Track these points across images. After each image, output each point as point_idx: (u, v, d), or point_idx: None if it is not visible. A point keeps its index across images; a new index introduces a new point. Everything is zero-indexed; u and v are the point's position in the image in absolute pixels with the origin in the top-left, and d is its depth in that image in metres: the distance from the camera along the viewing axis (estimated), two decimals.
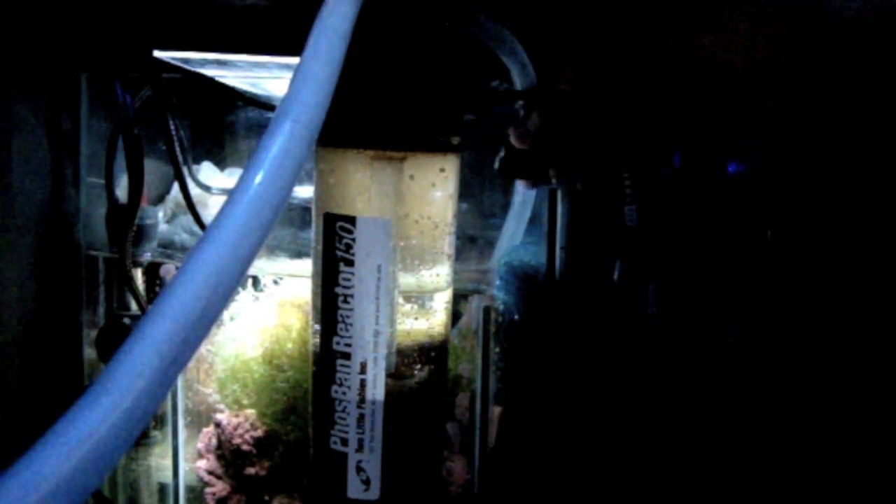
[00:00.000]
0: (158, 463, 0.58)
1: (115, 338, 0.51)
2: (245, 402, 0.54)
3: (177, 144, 0.49)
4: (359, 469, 0.36)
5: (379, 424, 0.36)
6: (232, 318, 0.55)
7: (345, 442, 0.36)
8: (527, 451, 0.48)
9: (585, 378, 0.46)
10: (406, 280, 0.37)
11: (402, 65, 0.35)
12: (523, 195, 0.50)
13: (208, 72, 0.49)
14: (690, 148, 0.44)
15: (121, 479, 0.59)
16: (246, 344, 0.54)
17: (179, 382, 0.56)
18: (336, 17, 0.28)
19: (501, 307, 0.49)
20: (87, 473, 0.19)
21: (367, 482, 0.36)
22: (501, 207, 0.53)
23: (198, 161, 0.59)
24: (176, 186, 0.56)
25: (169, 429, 0.56)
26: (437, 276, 0.38)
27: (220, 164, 0.61)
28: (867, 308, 0.42)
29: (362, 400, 0.36)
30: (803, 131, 0.43)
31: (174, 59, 0.45)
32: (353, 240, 0.34)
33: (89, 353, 0.55)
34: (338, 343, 0.35)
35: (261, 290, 0.55)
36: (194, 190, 0.54)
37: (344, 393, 0.36)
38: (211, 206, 0.57)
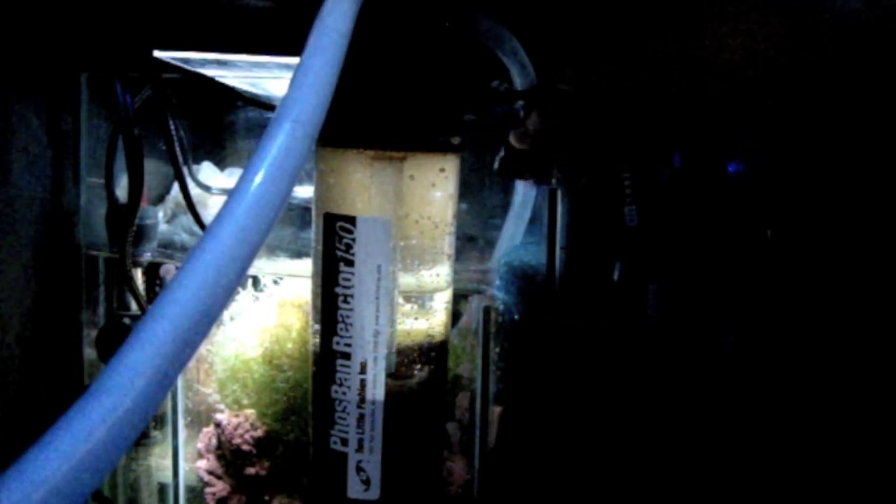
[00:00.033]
0: (158, 463, 0.58)
1: (115, 338, 0.51)
2: (245, 402, 0.54)
3: (177, 144, 0.49)
4: (359, 469, 0.36)
5: (379, 424, 0.36)
6: (232, 318, 0.55)
7: (345, 442, 0.36)
8: (527, 451, 0.48)
9: (585, 378, 0.46)
10: (406, 280, 0.37)
11: (402, 65, 0.35)
12: (523, 195, 0.50)
13: (208, 72, 0.49)
14: (690, 148, 0.44)
15: (121, 479, 0.59)
16: (246, 344, 0.54)
17: (179, 382, 0.56)
18: (336, 16, 0.28)
19: (501, 307, 0.49)
20: (87, 473, 0.19)
21: (367, 482, 0.36)
22: (501, 207, 0.53)
23: (198, 161, 0.59)
24: (176, 186, 0.56)
25: (169, 429, 0.56)
26: (437, 276, 0.38)
27: (220, 164, 0.61)
28: (867, 308, 0.42)
29: (362, 400, 0.36)
30: (803, 131, 0.43)
31: (174, 59, 0.45)
32: (353, 240, 0.34)
33: (89, 353, 0.55)
34: (338, 343, 0.35)
35: (261, 290, 0.55)
36: (194, 190, 0.54)
37: (344, 393, 0.36)
38: (211, 206, 0.57)
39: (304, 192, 0.53)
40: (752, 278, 0.44)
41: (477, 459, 0.52)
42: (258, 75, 0.49)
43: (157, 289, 0.55)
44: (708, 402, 0.45)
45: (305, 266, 0.49)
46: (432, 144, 0.36)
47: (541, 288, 0.47)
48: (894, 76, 0.40)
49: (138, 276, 0.54)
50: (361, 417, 0.36)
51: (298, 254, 0.55)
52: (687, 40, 0.41)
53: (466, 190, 0.43)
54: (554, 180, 0.46)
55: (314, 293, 0.37)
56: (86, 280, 0.55)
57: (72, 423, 0.19)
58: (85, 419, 0.19)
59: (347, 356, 0.35)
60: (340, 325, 0.35)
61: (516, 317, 0.48)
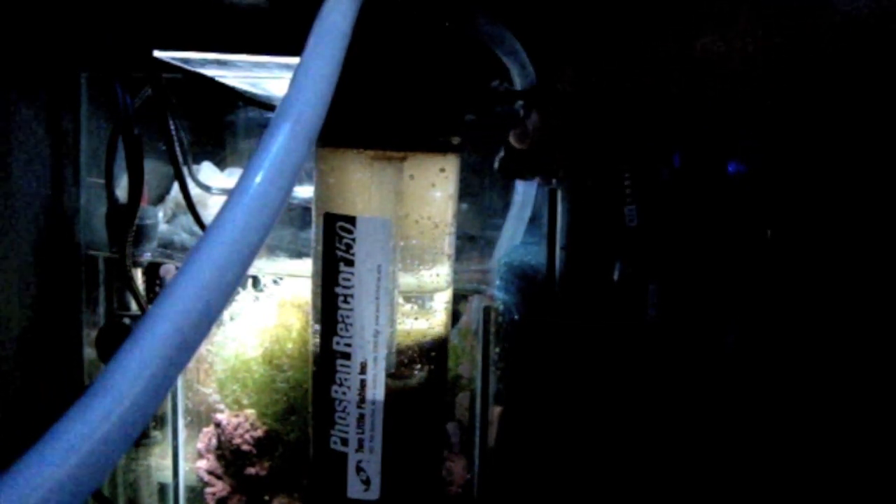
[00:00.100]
0: (158, 463, 0.58)
1: (115, 338, 0.51)
2: (245, 402, 0.54)
3: (177, 144, 0.49)
4: (359, 469, 0.36)
5: (379, 424, 0.36)
6: (232, 318, 0.55)
7: (345, 442, 0.36)
8: (527, 451, 0.48)
9: (585, 378, 0.46)
10: (406, 280, 0.37)
11: (402, 65, 0.35)
12: (523, 195, 0.50)
13: (208, 72, 0.49)
14: (690, 148, 0.44)
15: (121, 479, 0.59)
16: (246, 344, 0.54)
17: (179, 382, 0.56)
18: (336, 16, 0.28)
19: (501, 307, 0.49)
20: (87, 473, 0.18)
21: (367, 482, 0.36)
22: (501, 207, 0.53)
23: (198, 161, 0.59)
24: (176, 186, 0.56)
25: (169, 429, 0.56)
26: (437, 276, 0.38)
27: (220, 164, 0.61)
28: (867, 308, 0.42)
29: (362, 400, 0.36)
30: (803, 131, 0.43)
31: (174, 59, 0.45)
32: (353, 240, 0.34)
33: (89, 353, 0.55)
34: (338, 343, 0.35)
35: (261, 290, 0.55)
36: (194, 190, 0.54)
37: (344, 393, 0.36)
38: (211, 206, 0.57)
39: (304, 192, 0.53)
40: (751, 278, 0.44)
41: (477, 459, 0.52)
42: (258, 75, 0.49)
43: (157, 289, 0.55)
44: (708, 402, 0.45)
45: (305, 266, 0.49)
46: (432, 144, 0.36)
47: (541, 288, 0.47)
48: (894, 76, 0.40)
49: (138, 276, 0.54)
50: (361, 417, 0.36)
51: (298, 254, 0.55)
52: (687, 40, 0.41)
53: (466, 190, 0.43)
54: (555, 180, 0.46)
55: (314, 293, 0.37)
56: (86, 280, 0.55)
57: (72, 423, 0.19)
58: (85, 419, 0.19)
59: (347, 356, 0.35)
60: (340, 325, 0.35)
61: (516, 317, 0.48)
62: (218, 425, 0.54)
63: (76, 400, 0.19)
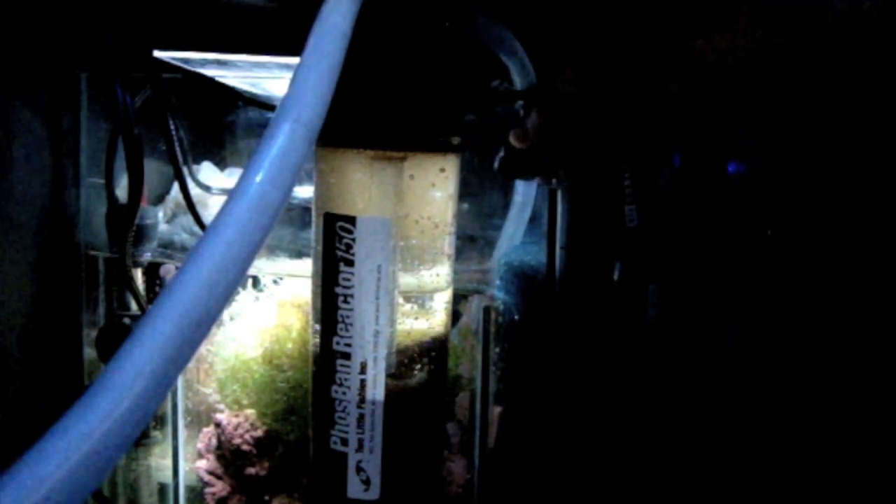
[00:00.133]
0: (158, 463, 0.58)
1: (115, 338, 0.51)
2: (245, 402, 0.54)
3: (177, 144, 0.49)
4: (359, 469, 0.36)
5: (379, 424, 0.36)
6: (232, 318, 0.55)
7: (345, 442, 0.36)
8: (527, 451, 0.48)
9: (585, 378, 0.46)
10: (406, 280, 0.37)
11: (402, 65, 0.35)
12: (523, 195, 0.51)
13: (208, 72, 0.49)
14: (690, 148, 0.44)
15: (121, 479, 0.59)
16: (246, 344, 0.54)
17: (179, 382, 0.56)
18: (336, 16, 0.28)
19: (501, 307, 0.49)
20: (87, 473, 0.18)
21: (367, 482, 0.36)
22: (501, 207, 0.53)
23: (198, 161, 0.59)
24: (176, 186, 0.56)
25: (169, 429, 0.56)
26: (437, 276, 0.38)
27: (220, 164, 0.61)
28: (867, 307, 0.42)
29: (362, 400, 0.36)
30: (803, 131, 0.43)
31: (174, 59, 0.45)
32: (353, 240, 0.34)
33: (89, 353, 0.55)
34: (338, 343, 0.35)
35: (261, 290, 0.55)
36: (194, 190, 0.54)
37: (344, 393, 0.36)
38: (211, 206, 0.57)
39: (304, 192, 0.53)
40: (752, 278, 0.44)
41: (477, 459, 0.52)
42: (258, 75, 0.49)
43: (157, 289, 0.55)
44: (708, 402, 0.45)
45: (305, 266, 0.49)
46: (432, 144, 0.36)
47: (541, 288, 0.47)
48: (894, 76, 0.40)
49: (138, 276, 0.54)
50: (361, 417, 0.36)
51: (298, 254, 0.55)
52: (687, 40, 0.41)
53: (466, 190, 0.43)
54: (555, 180, 0.46)
55: (314, 293, 0.37)
56: (86, 280, 0.55)
57: (72, 423, 0.19)
58: (85, 419, 0.19)
59: (347, 356, 0.35)
60: (340, 325, 0.35)
61: (516, 317, 0.48)
62: (218, 425, 0.54)
63: (76, 400, 0.19)
